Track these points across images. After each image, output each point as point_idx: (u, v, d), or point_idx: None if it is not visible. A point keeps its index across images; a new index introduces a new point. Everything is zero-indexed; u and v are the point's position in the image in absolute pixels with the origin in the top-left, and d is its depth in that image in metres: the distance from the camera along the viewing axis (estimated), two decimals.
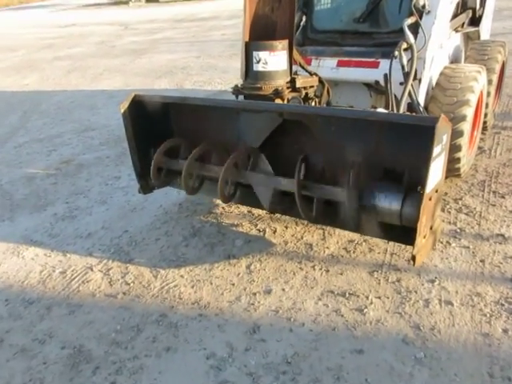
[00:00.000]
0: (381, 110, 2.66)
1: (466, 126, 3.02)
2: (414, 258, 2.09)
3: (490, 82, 3.60)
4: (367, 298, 2.38)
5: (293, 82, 2.78)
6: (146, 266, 2.81)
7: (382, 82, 3.08)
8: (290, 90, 2.77)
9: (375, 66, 3.19)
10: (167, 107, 2.95)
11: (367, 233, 2.48)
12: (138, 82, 7.84)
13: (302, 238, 2.94)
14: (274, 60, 2.67)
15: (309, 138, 2.51)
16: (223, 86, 6.98)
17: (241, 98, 2.89)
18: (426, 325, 2.18)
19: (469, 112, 3.02)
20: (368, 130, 2.33)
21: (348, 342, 2.13)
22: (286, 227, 3.05)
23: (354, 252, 2.75)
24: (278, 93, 2.71)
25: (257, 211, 3.23)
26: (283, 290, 2.50)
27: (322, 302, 2.39)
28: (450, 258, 2.63)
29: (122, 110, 2.79)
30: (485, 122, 3.90)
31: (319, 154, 2.49)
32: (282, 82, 2.73)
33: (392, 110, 2.75)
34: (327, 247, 2.82)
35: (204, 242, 3.00)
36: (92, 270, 2.82)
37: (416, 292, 2.39)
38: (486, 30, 4.35)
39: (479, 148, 3.90)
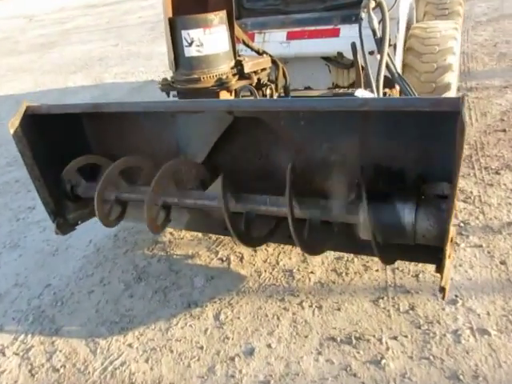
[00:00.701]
0: (361, 91, 2.06)
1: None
2: (443, 289, 1.54)
3: None
4: (380, 341, 1.82)
5: (239, 66, 2.11)
6: (80, 336, 2.09)
7: (346, 54, 2.49)
8: (237, 77, 2.10)
9: (335, 34, 2.57)
10: (78, 118, 2.22)
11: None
12: (50, 80, 6.88)
13: (277, 263, 2.32)
14: (212, 40, 1.97)
15: (271, 137, 1.89)
16: (149, 75, 6.22)
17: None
18: (465, 371, 1.65)
19: (452, 79, 2.50)
20: (352, 121, 1.73)
21: None
22: (255, 250, 2.43)
23: (346, 274, 2.18)
24: (222, 83, 2.04)
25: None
26: (269, 345, 1.88)
27: (323, 357, 1.80)
28: (465, 265, 2.13)
29: (13, 130, 2.03)
30: None
31: (288, 159, 1.85)
32: (225, 69, 2.05)
33: (371, 88, 2.16)
34: (312, 272, 2.23)
35: (153, 287, 2.31)
36: (4, 354, 2.07)
37: (439, 322, 1.85)
38: None
39: None
